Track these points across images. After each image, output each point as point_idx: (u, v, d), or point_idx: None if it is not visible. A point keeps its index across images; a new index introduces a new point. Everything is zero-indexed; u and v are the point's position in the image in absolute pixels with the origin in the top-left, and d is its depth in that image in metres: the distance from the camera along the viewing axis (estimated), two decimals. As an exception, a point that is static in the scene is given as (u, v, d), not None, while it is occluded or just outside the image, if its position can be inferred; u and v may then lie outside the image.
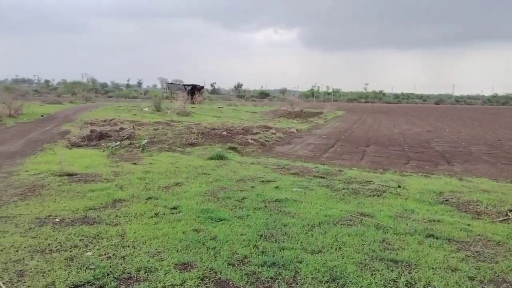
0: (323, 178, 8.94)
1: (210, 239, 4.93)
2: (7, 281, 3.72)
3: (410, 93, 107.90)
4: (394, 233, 5.37)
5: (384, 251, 4.74)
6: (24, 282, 3.73)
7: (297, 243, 4.92)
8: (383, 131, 22.92)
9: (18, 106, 24.13)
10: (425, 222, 5.90)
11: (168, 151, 12.33)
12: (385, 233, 5.38)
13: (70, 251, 4.46)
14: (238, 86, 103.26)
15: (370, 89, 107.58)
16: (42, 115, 24.41)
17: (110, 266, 4.10)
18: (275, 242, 4.93)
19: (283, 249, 4.69)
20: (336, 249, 4.77)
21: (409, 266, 4.37)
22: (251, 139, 15.55)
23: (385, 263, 4.40)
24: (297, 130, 21.47)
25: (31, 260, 4.20)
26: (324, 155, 13.39)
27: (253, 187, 7.79)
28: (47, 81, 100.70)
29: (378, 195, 7.42)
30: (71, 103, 39.61)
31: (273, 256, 4.49)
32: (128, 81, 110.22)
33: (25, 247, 4.54)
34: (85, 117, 23.19)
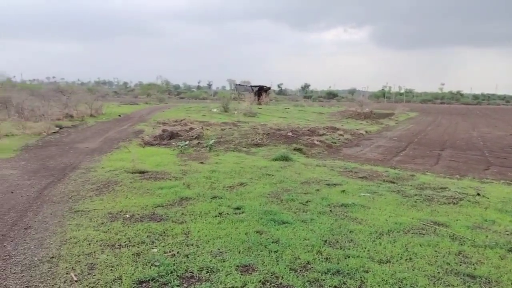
0: (394, 183, 8.49)
1: (273, 242, 4.85)
2: (78, 273, 3.92)
3: (491, 93, 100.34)
4: (472, 246, 4.92)
5: (460, 265, 4.35)
6: (94, 275, 3.90)
7: (364, 251, 4.67)
8: (461, 134, 21.43)
9: (99, 107, 25.91)
10: (507, 234, 5.35)
11: (234, 151, 12.48)
12: (461, 244, 4.94)
13: (138, 247, 4.61)
14: (305, 86, 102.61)
15: (447, 89, 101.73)
16: (119, 115, 25.95)
17: (174, 264, 4.17)
18: (340, 249, 4.73)
19: (349, 257, 4.47)
20: (406, 259, 4.46)
21: (489, 282, 3.97)
22: (317, 141, 15.27)
23: (461, 278, 4.03)
24: (366, 131, 20.76)
25: (102, 254, 4.40)
26: (395, 158, 12.77)
27: (318, 190, 7.60)
28: (125, 83, 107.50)
29: (454, 203, 6.88)
30: (146, 104, 41.79)
31: (338, 263, 4.30)
32: (199, 82, 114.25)
33: (97, 241, 4.77)
34: (158, 117, 24.27)
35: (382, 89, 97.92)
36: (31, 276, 3.84)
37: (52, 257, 4.26)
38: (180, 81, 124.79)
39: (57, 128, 17.27)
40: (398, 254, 4.59)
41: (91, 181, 8.01)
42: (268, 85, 52.83)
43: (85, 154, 11.48)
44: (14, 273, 3.90)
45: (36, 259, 4.22)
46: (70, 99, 24.04)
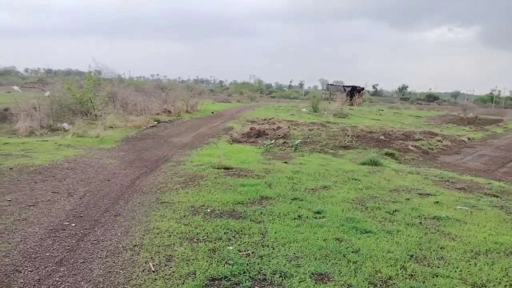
0: (497, 197, 7.57)
1: (352, 252, 4.55)
2: (156, 264, 4.04)
3: None
4: None
5: None
6: (170, 267, 3.99)
7: (455, 271, 4.17)
8: None
9: (194, 103, 27.20)
10: None
11: (319, 152, 12.18)
12: None
13: (214, 243, 4.64)
14: (403, 88, 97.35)
15: None
16: (212, 112, 26.98)
17: (248, 264, 4.10)
18: (428, 266, 4.28)
19: (437, 276, 4.03)
20: (505, 285, 3.88)
21: None
22: (412, 146, 14.30)
23: None
24: (468, 138, 18.97)
25: (180, 246, 4.50)
26: (501, 169, 11.44)
27: (408, 199, 7.04)
28: (220, 82, 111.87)
29: None
30: (238, 102, 42.98)
31: (423, 282, 3.89)
32: (290, 82, 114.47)
33: (177, 233, 4.90)
34: (248, 115, 24.75)
35: (490, 93, 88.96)
36: (113, 262, 4.05)
37: (135, 246, 4.46)
38: (273, 81, 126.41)
39: (155, 122, 18.45)
40: (496, 279, 4.02)
41: (179, 174, 8.34)
42: (362, 86, 51.11)
43: (177, 148, 12.06)
44: (100, 257, 4.15)
45: (120, 246, 4.46)
46: (169, 96, 25.57)
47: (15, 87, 18.29)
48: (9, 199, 5.93)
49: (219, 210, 5.95)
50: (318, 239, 4.87)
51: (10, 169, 7.85)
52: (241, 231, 5.08)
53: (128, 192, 6.81)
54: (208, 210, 5.89)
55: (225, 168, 8.91)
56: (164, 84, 34.56)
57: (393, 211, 6.25)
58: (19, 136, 13.15)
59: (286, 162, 10.04)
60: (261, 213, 5.87)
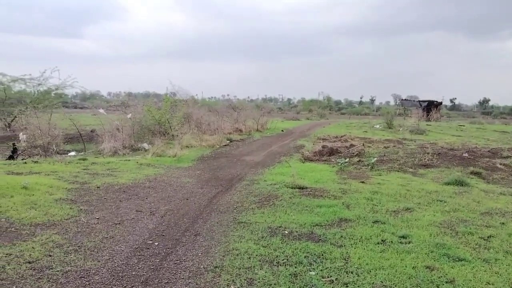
0: None
1: (446, 282, 4.16)
2: (238, 287, 3.98)
3: None
4: None
5: None
6: (252, 291, 3.91)
7: None
8: None
9: (264, 122, 27.50)
10: None
11: (398, 171, 11.58)
12: None
13: (295, 267, 4.49)
14: (484, 101, 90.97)
15: None
16: (282, 130, 27.05)
17: (332, 292, 3.90)
18: (539, 303, 3.77)
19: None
20: None
21: None
22: (501, 164, 13.11)
23: None
24: None
25: (260, 269, 4.41)
26: None
27: (503, 223, 6.38)
28: (289, 100, 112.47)
29: None
30: (307, 119, 42.82)
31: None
32: (361, 98, 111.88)
33: (256, 255, 4.82)
34: (318, 133, 24.44)
35: None
36: (196, 284, 4.05)
37: (216, 267, 4.44)
38: (342, 97, 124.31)
39: (228, 141, 18.85)
40: None
41: (254, 193, 8.34)
42: (438, 100, 48.54)
43: (250, 167, 12.14)
44: (182, 278, 4.18)
45: (202, 267, 4.47)
46: (240, 115, 26.10)
47: (101, 110, 19.77)
48: (97, 217, 6.26)
49: (297, 232, 5.80)
50: (406, 267, 4.53)
51: (98, 187, 8.36)
52: (322, 255, 4.88)
53: (206, 211, 6.90)
54: (286, 232, 5.77)
55: (300, 188, 8.76)
56: (235, 104, 35.40)
57: (488, 237, 5.68)
58: (104, 156, 14.08)
59: (363, 182, 9.64)
60: (342, 236, 5.62)
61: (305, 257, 4.80)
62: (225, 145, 17.90)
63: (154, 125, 18.49)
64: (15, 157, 12.86)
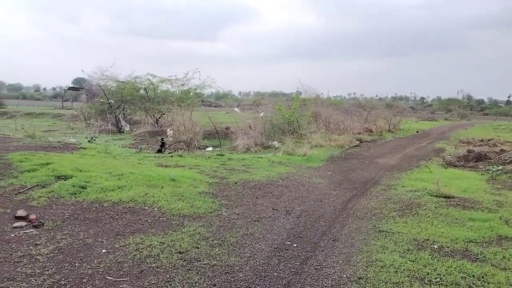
0: None
1: None
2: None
3: None
4: None
5: None
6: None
7: None
8: None
9: (396, 122, 25.93)
10: None
11: None
12: None
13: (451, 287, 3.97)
14: None
15: None
16: (417, 131, 25.20)
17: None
18: None
19: None
20: None
21: None
22: None
23: None
24: None
25: (410, 287, 3.99)
26: None
27: None
28: (422, 98, 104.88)
29: None
30: (445, 120, 39.25)
31: None
32: (509, 97, 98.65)
33: (404, 270, 4.40)
34: (460, 136, 22.14)
35: None
36: (341, 294, 3.84)
37: (360, 278, 4.16)
38: (485, 96, 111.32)
39: (358, 142, 18.19)
40: None
41: (393, 199, 7.78)
42: None
43: (384, 170, 11.46)
44: (325, 286, 4.00)
45: (344, 276, 4.23)
46: (370, 114, 25.03)
47: (236, 109, 20.82)
48: (237, 213, 6.47)
49: (448, 247, 5.17)
50: None
51: (235, 183, 8.70)
52: (483, 277, 4.24)
53: (342, 215, 6.63)
54: (435, 246, 5.19)
55: (445, 197, 7.92)
56: (362, 103, 34.13)
57: None
58: (238, 152, 14.73)
59: (524, 194, 8.30)
60: (504, 257, 4.84)
61: (462, 277, 4.23)
62: (355, 145, 17.30)
63: (284, 123, 18.77)
64: (163, 150, 14.23)
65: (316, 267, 4.46)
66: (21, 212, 5.71)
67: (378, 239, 5.44)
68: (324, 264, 4.54)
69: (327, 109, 23.89)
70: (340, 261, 4.64)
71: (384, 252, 4.91)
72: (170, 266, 4.27)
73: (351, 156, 14.54)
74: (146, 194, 6.94)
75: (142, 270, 4.13)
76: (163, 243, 4.90)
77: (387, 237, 5.50)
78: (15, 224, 5.34)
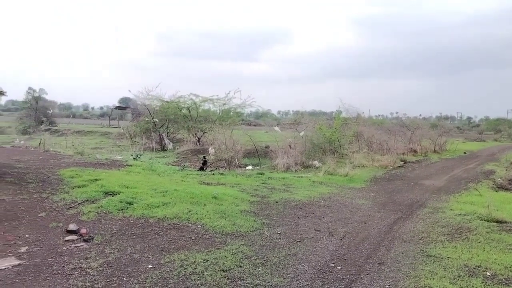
0: None
1: None
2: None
3: None
4: None
5: None
6: None
7: None
8: None
9: (442, 143, 25.07)
10: None
11: None
12: None
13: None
14: None
15: None
16: (464, 152, 24.24)
17: None
18: None
19: None
20: None
21: None
22: None
23: None
24: None
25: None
26: None
27: None
28: (469, 118, 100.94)
29: None
30: (494, 141, 37.50)
31: None
32: None
33: (455, 297, 4.20)
34: (511, 157, 21.05)
35: None
36: (388, 320, 3.71)
37: (408, 304, 4.02)
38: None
39: (402, 162, 17.71)
40: None
41: (441, 223, 7.48)
42: None
43: (430, 192, 11.07)
44: (373, 311, 3.88)
45: (392, 301, 4.09)
46: (415, 134, 24.35)
47: (276, 128, 20.89)
48: (279, 232, 6.44)
49: (502, 275, 4.90)
50: None
51: (276, 202, 8.68)
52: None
53: (387, 238, 6.44)
54: (488, 274, 4.93)
55: (497, 221, 7.54)
56: (406, 122, 33.26)
57: None
58: (278, 171, 14.72)
59: None
60: None
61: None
62: (399, 166, 16.84)
63: (325, 143, 18.62)
64: (204, 168, 14.47)
65: (362, 291, 4.35)
66: (72, 226, 5.97)
67: (427, 264, 5.23)
68: (370, 288, 4.41)
69: (369, 128, 23.46)
70: (387, 286, 4.49)
71: (433, 278, 4.71)
72: (214, 284, 4.30)
73: (395, 177, 14.16)
74: (189, 211, 7.06)
75: (187, 287, 4.18)
76: (207, 261, 4.94)
77: (435, 262, 5.28)
78: (67, 238, 5.58)
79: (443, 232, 6.80)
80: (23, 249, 5.06)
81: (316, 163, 16.24)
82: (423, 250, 5.80)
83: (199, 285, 4.24)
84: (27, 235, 5.57)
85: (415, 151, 22.36)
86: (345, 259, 5.35)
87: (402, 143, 22.84)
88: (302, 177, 12.96)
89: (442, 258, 5.47)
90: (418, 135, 24.64)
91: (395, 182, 12.84)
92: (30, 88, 44.23)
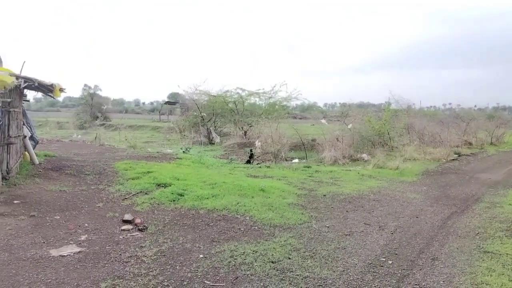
0: None
1: None
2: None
3: None
4: None
5: None
6: None
7: None
8: None
9: (500, 134, 23.75)
10: None
11: None
12: None
13: None
14: None
15: None
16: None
17: None
18: None
19: None
20: None
21: None
22: None
23: None
24: None
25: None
26: None
27: None
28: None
29: None
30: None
31: None
32: None
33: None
34: None
35: None
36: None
37: (464, 301, 3.88)
38: None
39: (456, 155, 16.96)
40: None
41: (499, 218, 7.12)
42: None
43: (487, 186, 10.55)
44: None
45: (446, 297, 3.97)
46: (469, 126, 23.22)
47: (323, 121, 20.68)
48: (327, 226, 6.40)
49: None
50: None
51: (324, 195, 8.62)
52: None
53: (441, 233, 6.23)
54: (552, 273, 4.64)
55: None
56: (460, 113, 31.76)
57: None
58: (325, 165, 14.58)
59: None
60: None
61: None
62: (452, 159, 16.14)
63: (374, 135, 18.19)
64: (251, 161, 14.61)
65: (414, 286, 4.24)
66: (128, 216, 6.26)
67: (483, 260, 5.01)
68: (423, 284, 4.29)
69: (421, 120, 22.62)
70: (441, 282, 4.35)
71: (491, 275, 4.51)
72: (264, 274, 4.36)
73: (449, 170, 13.60)
74: (238, 203, 7.18)
75: (237, 277, 4.28)
76: (256, 252, 5.02)
77: (493, 259, 5.05)
78: (123, 227, 5.87)
79: (501, 228, 6.47)
80: (83, 237, 5.38)
81: (364, 156, 15.91)
82: (479, 246, 5.56)
83: (249, 275, 4.32)
84: (86, 224, 5.92)
85: (470, 144, 21.34)
86: (396, 254, 5.24)
87: (456, 135, 21.84)
88: (350, 170, 12.76)
89: (500, 254, 5.22)
90: (473, 127, 23.46)
91: (448, 176, 12.33)
92: (85, 85, 46.46)
